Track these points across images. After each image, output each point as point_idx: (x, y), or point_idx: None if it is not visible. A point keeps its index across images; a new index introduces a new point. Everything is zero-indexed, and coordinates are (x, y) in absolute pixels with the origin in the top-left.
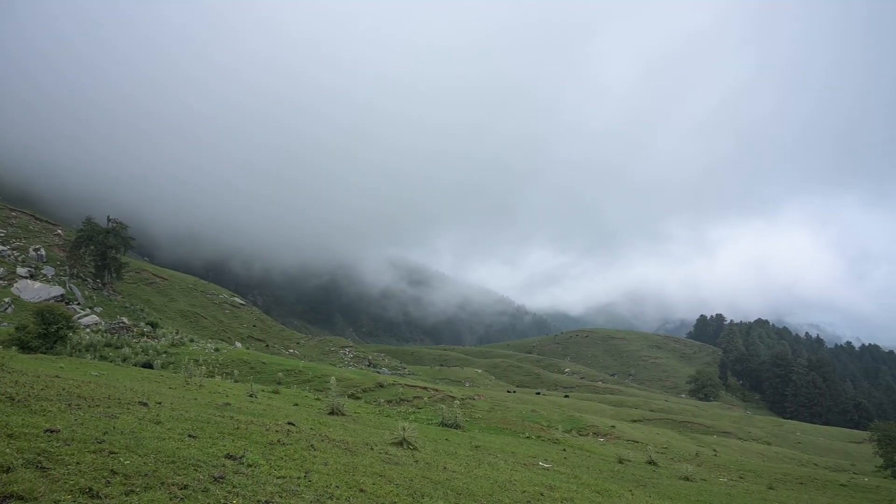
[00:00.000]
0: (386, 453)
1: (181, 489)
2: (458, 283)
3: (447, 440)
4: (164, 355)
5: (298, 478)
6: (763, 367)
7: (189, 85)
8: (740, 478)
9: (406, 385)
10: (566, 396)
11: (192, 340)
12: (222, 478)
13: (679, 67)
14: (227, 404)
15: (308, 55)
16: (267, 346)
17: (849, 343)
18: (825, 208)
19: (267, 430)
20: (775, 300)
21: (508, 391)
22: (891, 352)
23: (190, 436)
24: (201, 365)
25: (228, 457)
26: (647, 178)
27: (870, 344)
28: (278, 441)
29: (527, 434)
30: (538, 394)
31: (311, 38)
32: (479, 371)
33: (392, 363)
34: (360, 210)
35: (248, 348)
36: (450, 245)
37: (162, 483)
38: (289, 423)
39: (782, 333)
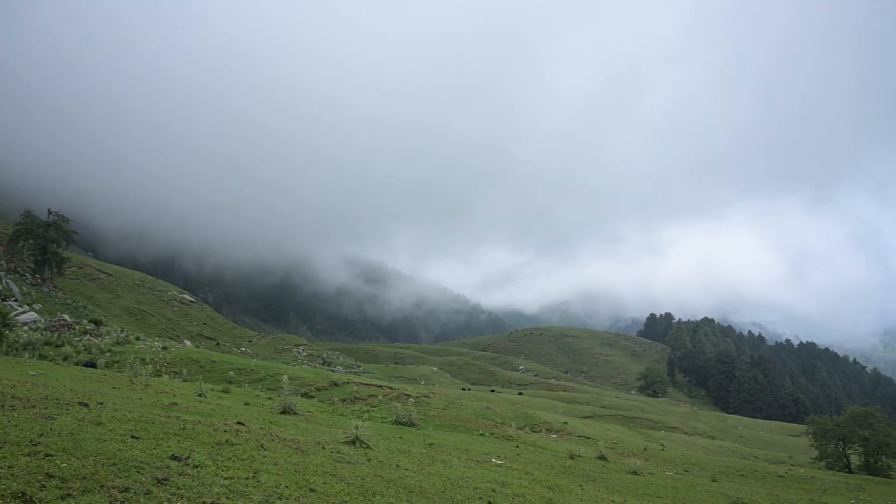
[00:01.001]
0: (338, 452)
1: (122, 492)
2: (415, 281)
3: (401, 438)
4: (109, 354)
5: (247, 478)
6: (709, 364)
7: (136, 73)
8: (686, 471)
9: (361, 383)
10: (520, 394)
11: (138, 338)
12: (166, 479)
13: (632, 73)
14: (174, 404)
15: (264, 41)
16: (218, 344)
17: (788, 341)
18: (769, 211)
19: (215, 429)
20: (721, 300)
21: (463, 389)
22: (826, 349)
23: (133, 437)
24: (148, 364)
25: (173, 458)
26: (601, 180)
27: (807, 342)
28: (227, 441)
29: (481, 431)
30: (493, 391)
31: (271, 25)
32: (435, 369)
33: (347, 361)
34: (317, 206)
35: (197, 346)
36: (407, 243)
37: (101, 486)
38: (238, 423)
39: (727, 332)
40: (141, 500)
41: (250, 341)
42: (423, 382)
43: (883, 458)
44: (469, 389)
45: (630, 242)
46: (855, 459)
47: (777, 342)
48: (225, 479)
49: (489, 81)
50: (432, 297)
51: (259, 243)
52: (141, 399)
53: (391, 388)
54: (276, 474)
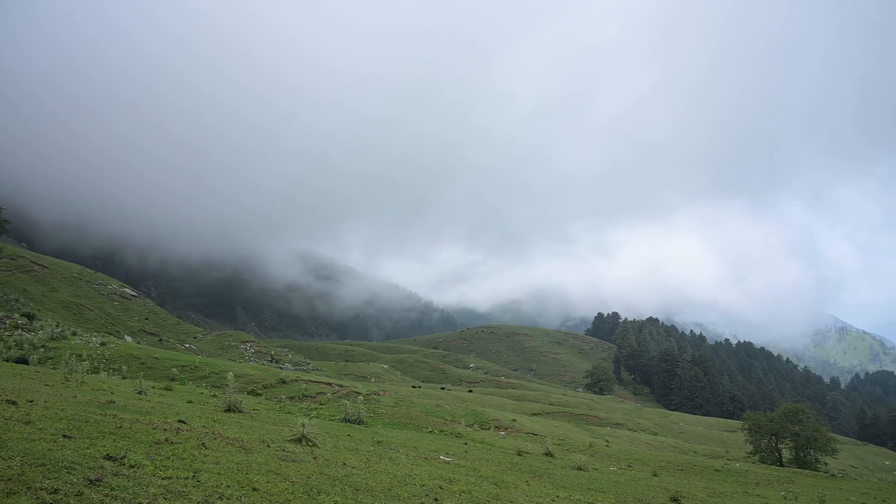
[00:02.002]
0: (283, 450)
1: (51, 494)
2: (367, 278)
3: (349, 436)
4: (42, 350)
5: (186, 478)
6: (652, 362)
7: (69, 54)
8: (629, 466)
9: (310, 381)
10: (470, 391)
11: (74, 334)
12: (99, 480)
13: (585, 77)
14: (112, 402)
15: (213, 27)
16: (160, 340)
17: (727, 340)
18: (712, 217)
19: (154, 428)
20: (666, 300)
21: (414, 386)
22: (762, 348)
23: (65, 436)
24: (84, 360)
25: (108, 458)
26: (553, 182)
27: (745, 341)
28: (166, 440)
29: (430, 429)
30: (443, 389)
31: (227, 6)
32: (386, 367)
33: (296, 359)
34: (269, 199)
35: (138, 342)
36: (360, 240)
37: (28, 488)
38: (179, 422)
39: (670, 331)
40: (71, 501)
41: (195, 337)
42: (373, 380)
43: (811, 452)
44: (420, 387)
45: (580, 243)
46: (786, 453)
47: (717, 341)
48: (163, 479)
49: (446, 80)
50: (385, 294)
51: (207, 237)
52: (75, 397)
53: (341, 386)
54: (218, 473)
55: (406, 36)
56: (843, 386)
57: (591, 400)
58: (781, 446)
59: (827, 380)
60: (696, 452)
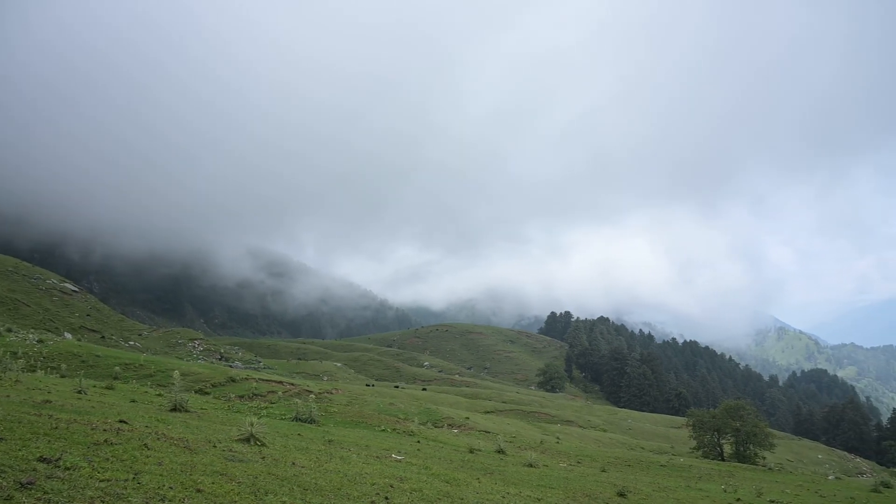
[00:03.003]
0: (230, 450)
1: None
2: (322, 276)
3: (299, 435)
4: None
5: (126, 480)
6: (603, 360)
7: (12, 43)
8: (578, 462)
9: (260, 379)
10: (424, 389)
11: (9, 330)
12: (31, 483)
13: (543, 81)
14: (48, 402)
15: (164, 14)
16: (103, 337)
17: (674, 339)
18: (662, 220)
19: (93, 428)
20: (617, 300)
21: (367, 385)
22: (707, 347)
23: None
24: (20, 358)
25: (42, 460)
26: (509, 182)
27: (690, 340)
28: (105, 441)
29: (383, 427)
30: (397, 387)
31: None
32: (339, 365)
33: (246, 357)
34: (222, 191)
35: (79, 340)
36: (315, 237)
37: None
38: (121, 422)
39: (620, 330)
40: None
41: (140, 335)
42: (326, 378)
43: (751, 447)
44: (373, 385)
45: (535, 244)
46: (727, 448)
47: (664, 340)
48: (101, 481)
49: (407, 76)
50: (339, 292)
51: (155, 232)
52: (9, 396)
53: (292, 384)
54: (160, 475)
55: (370, 29)
56: (780, 383)
57: (542, 398)
58: (723, 441)
59: (766, 377)
60: (643, 448)
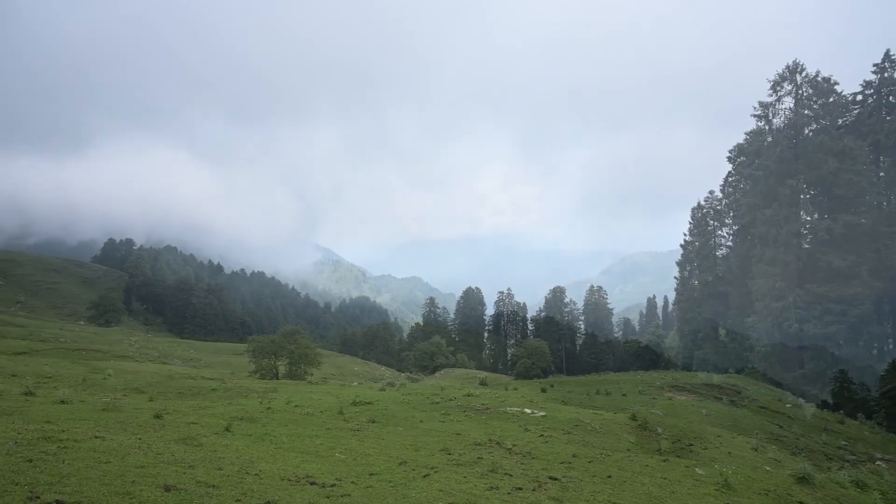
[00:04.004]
0: None
1: None
2: None
3: None
4: None
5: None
6: (168, 291)
7: None
8: (124, 395)
9: None
10: None
11: None
12: None
13: None
14: None
15: None
16: None
17: (243, 270)
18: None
19: None
20: (189, 230)
21: None
22: (272, 277)
23: None
24: None
25: None
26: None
27: (258, 271)
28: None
29: None
30: None
31: None
32: None
33: None
34: None
35: None
36: None
37: None
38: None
39: (188, 260)
40: None
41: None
42: None
43: (302, 366)
44: None
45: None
46: (282, 369)
47: (233, 271)
48: None
49: None
50: None
51: None
52: None
53: None
54: None
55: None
56: (333, 309)
57: (94, 333)
58: (279, 363)
59: (322, 305)
60: (203, 377)
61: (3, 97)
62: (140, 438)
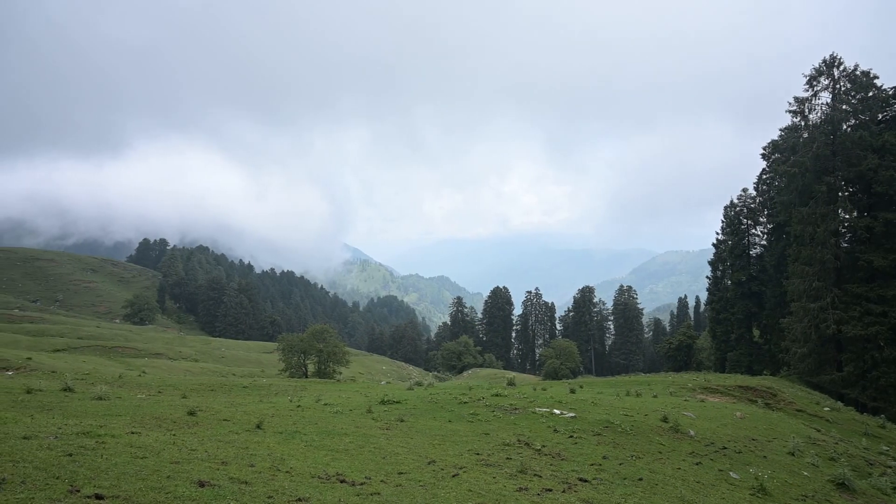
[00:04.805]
0: None
1: None
2: None
3: None
4: None
5: None
6: (200, 290)
7: None
8: (159, 392)
9: None
10: None
11: None
12: None
13: None
14: None
15: None
16: None
17: (272, 269)
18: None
19: None
20: (221, 231)
21: None
22: (301, 277)
23: None
24: None
25: None
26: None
27: (287, 270)
28: None
29: None
30: None
31: None
32: None
33: None
34: None
35: None
36: None
37: None
38: None
39: (220, 260)
40: None
41: None
42: None
43: (330, 364)
44: None
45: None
46: (311, 367)
47: (263, 270)
48: None
49: None
50: None
51: None
52: None
53: None
54: None
55: None
56: (361, 308)
57: (129, 331)
58: (308, 362)
59: (350, 304)
60: (234, 374)
61: (46, 105)
62: (174, 435)
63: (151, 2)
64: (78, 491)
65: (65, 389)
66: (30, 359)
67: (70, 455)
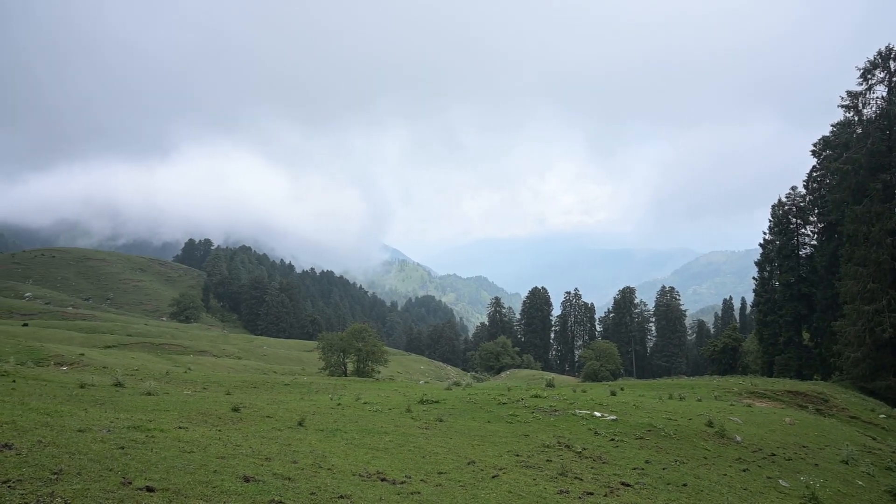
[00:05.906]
0: None
1: None
2: None
3: None
4: None
5: None
6: (243, 289)
7: None
8: (204, 388)
9: None
10: (25, 325)
11: None
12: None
13: None
14: None
15: None
16: None
17: (312, 269)
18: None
19: None
20: (262, 231)
21: None
22: (341, 277)
23: None
24: None
25: None
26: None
27: (327, 270)
28: None
29: None
30: None
31: None
32: None
33: None
34: None
35: None
36: None
37: None
38: None
39: (262, 259)
40: None
41: None
42: None
43: (369, 364)
44: None
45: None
46: (350, 366)
47: (303, 270)
48: None
49: None
50: None
51: None
52: None
53: None
54: None
55: None
56: (399, 308)
57: (175, 329)
58: (347, 360)
59: (388, 304)
60: (275, 372)
61: (102, 113)
62: (220, 430)
63: (196, 9)
64: (130, 483)
65: (116, 384)
66: (83, 355)
67: (122, 448)
